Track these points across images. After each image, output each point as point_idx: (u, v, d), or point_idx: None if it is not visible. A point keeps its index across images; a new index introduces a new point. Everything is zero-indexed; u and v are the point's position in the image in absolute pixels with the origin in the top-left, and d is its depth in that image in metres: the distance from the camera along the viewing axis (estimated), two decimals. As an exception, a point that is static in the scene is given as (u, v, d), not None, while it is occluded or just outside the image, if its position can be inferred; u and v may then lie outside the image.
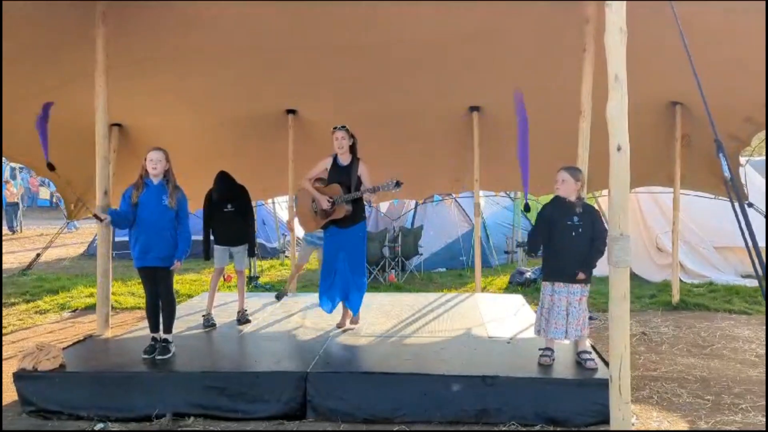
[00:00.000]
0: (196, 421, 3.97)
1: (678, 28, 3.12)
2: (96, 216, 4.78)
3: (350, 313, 5.38)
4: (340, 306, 5.38)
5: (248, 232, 5.74)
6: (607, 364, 4.10)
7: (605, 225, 4.06)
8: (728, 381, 4.73)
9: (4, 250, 13.71)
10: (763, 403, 4.20)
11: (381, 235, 10.13)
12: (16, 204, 17.75)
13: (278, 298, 6.75)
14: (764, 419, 3.93)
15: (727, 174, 2.57)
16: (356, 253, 5.25)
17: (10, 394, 4.36)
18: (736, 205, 2.52)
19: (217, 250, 5.65)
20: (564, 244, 4.14)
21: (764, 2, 4.46)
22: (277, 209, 12.50)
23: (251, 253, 5.83)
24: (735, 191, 2.46)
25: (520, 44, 5.53)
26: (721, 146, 2.61)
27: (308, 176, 5.33)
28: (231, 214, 5.59)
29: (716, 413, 4.09)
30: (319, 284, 5.38)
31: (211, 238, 5.73)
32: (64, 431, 3.90)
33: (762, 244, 3.23)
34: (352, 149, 5.21)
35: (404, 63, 6.00)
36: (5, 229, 17.15)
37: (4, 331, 6.62)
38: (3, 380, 4.53)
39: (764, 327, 6.31)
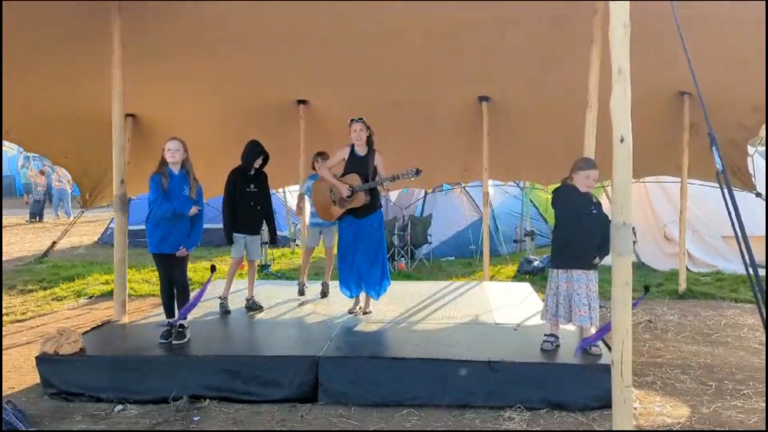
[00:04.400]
0: (212, 404, 4.11)
1: (675, 21, 3.16)
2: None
3: (362, 300, 5.52)
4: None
5: (268, 218, 5.79)
6: (610, 349, 4.20)
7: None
8: (731, 368, 4.81)
9: (22, 238, 13.94)
10: (764, 388, 4.28)
11: (390, 223, 10.24)
12: (63, 191, 17.92)
13: (301, 293, 6.50)
14: (764, 405, 4.01)
15: (718, 166, 2.65)
16: (374, 243, 5.34)
17: (33, 377, 4.51)
18: (728, 197, 2.60)
19: (234, 237, 5.64)
20: (582, 233, 4.19)
21: (764, 2, 4.49)
22: (288, 198, 12.62)
23: (273, 240, 5.89)
24: (727, 183, 2.54)
25: (529, 34, 5.57)
26: (714, 140, 2.68)
27: (326, 165, 5.47)
28: (252, 196, 5.61)
29: (718, 399, 4.18)
30: (338, 272, 5.50)
31: None
32: (84, 413, 4.04)
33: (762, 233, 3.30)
34: (369, 141, 5.31)
35: (414, 53, 6.06)
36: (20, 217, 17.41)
37: (23, 317, 6.81)
38: (22, 363, 4.69)
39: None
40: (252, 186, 5.63)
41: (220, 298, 5.72)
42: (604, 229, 4.11)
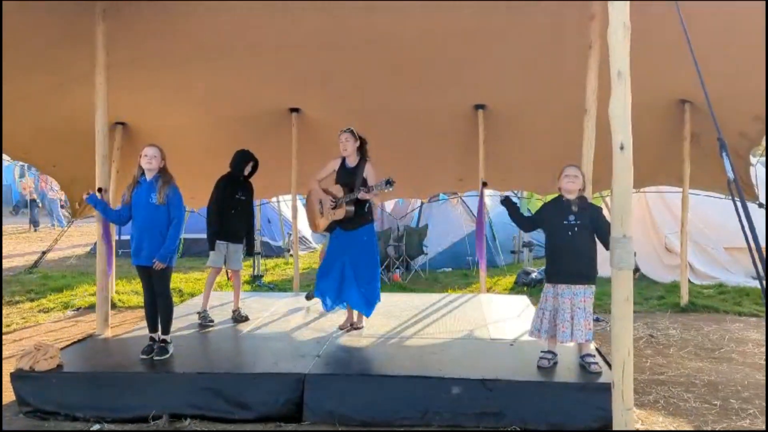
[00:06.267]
0: (193, 423, 3.93)
1: (682, 26, 3.02)
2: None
3: (354, 315, 5.31)
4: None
5: (249, 229, 5.68)
6: (611, 367, 4.02)
7: (607, 220, 4.01)
8: (736, 385, 4.63)
9: (15, 248, 13.76)
10: (771, 408, 4.10)
11: (386, 234, 10.07)
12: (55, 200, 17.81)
13: (308, 298, 6.42)
14: (772, 425, 3.84)
15: (730, 175, 2.48)
16: (363, 257, 5.08)
17: (8, 394, 4.33)
18: (740, 206, 2.43)
19: (216, 245, 5.50)
20: (562, 246, 4.09)
21: (764, 2, 4.36)
22: (282, 207, 12.47)
23: (250, 252, 5.72)
24: (738, 192, 2.37)
25: (526, 41, 5.44)
26: (724, 145, 2.52)
27: (317, 177, 5.27)
28: (239, 204, 5.50)
29: (723, 418, 3.99)
30: (315, 282, 5.30)
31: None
32: (60, 432, 3.86)
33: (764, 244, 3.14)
34: (361, 151, 5.12)
35: (409, 61, 5.94)
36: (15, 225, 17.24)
37: (7, 329, 6.62)
38: (3, 380, 4.51)
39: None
40: (240, 194, 5.53)
41: (198, 312, 5.55)
42: (598, 235, 3.98)
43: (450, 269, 10.67)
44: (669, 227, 9.13)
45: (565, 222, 4.06)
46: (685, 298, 7.38)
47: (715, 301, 7.57)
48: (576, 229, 4.02)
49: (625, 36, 2.95)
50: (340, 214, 5.03)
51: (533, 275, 9.01)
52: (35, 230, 17.17)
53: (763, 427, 3.83)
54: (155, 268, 4.39)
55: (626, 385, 2.90)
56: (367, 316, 5.21)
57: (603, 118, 4.85)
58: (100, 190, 4.91)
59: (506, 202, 4.44)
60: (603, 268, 4.10)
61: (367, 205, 5.08)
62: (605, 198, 9.10)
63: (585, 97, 4.96)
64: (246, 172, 5.61)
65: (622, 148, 2.89)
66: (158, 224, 4.41)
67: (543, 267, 9.18)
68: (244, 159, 5.59)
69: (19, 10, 4.55)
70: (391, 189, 4.73)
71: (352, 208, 5.00)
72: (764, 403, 4.21)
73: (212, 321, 5.45)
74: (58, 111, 6.40)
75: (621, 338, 2.94)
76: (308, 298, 6.42)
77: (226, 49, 5.66)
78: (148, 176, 4.47)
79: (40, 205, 18.05)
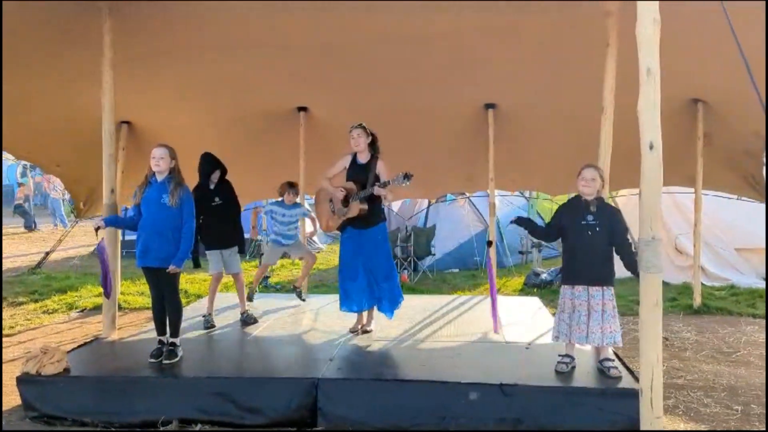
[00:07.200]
0: (203, 428, 3.84)
1: (729, 26, 2.90)
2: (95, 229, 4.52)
3: (363, 317, 5.21)
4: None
5: (237, 230, 5.53)
6: (630, 372, 3.94)
7: (625, 223, 3.92)
8: (756, 390, 4.53)
9: (17, 249, 13.67)
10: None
11: (393, 234, 9.98)
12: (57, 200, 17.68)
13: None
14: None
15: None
16: (379, 257, 4.99)
17: (14, 398, 4.24)
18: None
19: (208, 254, 5.43)
20: (580, 246, 4.00)
21: (764, 2, 4.26)
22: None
23: (242, 250, 5.59)
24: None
25: (538, 39, 5.34)
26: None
27: (327, 174, 5.15)
28: (219, 209, 5.34)
29: (746, 424, 3.90)
30: (338, 286, 5.18)
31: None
32: (67, 438, 3.78)
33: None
34: (372, 147, 5.02)
35: (417, 59, 5.84)
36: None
37: (11, 331, 6.53)
38: (5, 382, 4.43)
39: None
40: (217, 199, 5.35)
41: (203, 316, 5.46)
42: (613, 239, 3.88)
43: (457, 270, 10.57)
44: (679, 228, 9.02)
45: (583, 222, 3.97)
46: (698, 300, 7.27)
47: (729, 303, 7.46)
48: (597, 228, 3.92)
49: (655, 32, 2.84)
50: (353, 211, 4.91)
51: (543, 276, 8.91)
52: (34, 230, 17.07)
53: (764, 428, 3.75)
54: (170, 272, 4.29)
55: (655, 393, 2.81)
56: (390, 317, 5.11)
57: (617, 116, 4.78)
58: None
59: (519, 222, 4.31)
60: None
61: (380, 204, 4.98)
62: (615, 198, 9.01)
63: (598, 97, 4.86)
64: (214, 179, 5.39)
65: (651, 147, 2.79)
66: (170, 225, 4.30)
67: (553, 268, 9.13)
68: (207, 168, 5.37)
69: (23, 9, 4.46)
70: (408, 183, 4.61)
71: (365, 206, 4.88)
72: (787, 409, 4.12)
73: (213, 325, 5.37)
74: (61, 110, 6.31)
75: (649, 343, 2.84)
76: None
77: (232, 47, 5.57)
78: (159, 177, 4.36)
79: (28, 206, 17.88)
